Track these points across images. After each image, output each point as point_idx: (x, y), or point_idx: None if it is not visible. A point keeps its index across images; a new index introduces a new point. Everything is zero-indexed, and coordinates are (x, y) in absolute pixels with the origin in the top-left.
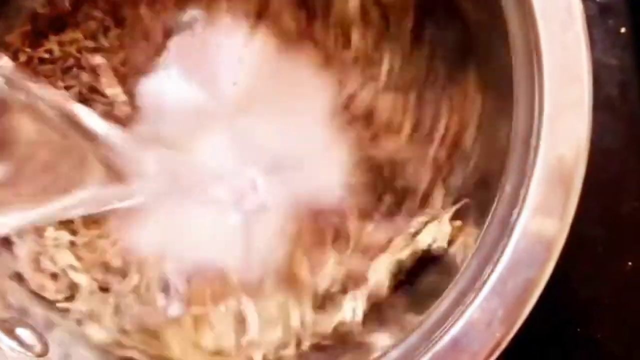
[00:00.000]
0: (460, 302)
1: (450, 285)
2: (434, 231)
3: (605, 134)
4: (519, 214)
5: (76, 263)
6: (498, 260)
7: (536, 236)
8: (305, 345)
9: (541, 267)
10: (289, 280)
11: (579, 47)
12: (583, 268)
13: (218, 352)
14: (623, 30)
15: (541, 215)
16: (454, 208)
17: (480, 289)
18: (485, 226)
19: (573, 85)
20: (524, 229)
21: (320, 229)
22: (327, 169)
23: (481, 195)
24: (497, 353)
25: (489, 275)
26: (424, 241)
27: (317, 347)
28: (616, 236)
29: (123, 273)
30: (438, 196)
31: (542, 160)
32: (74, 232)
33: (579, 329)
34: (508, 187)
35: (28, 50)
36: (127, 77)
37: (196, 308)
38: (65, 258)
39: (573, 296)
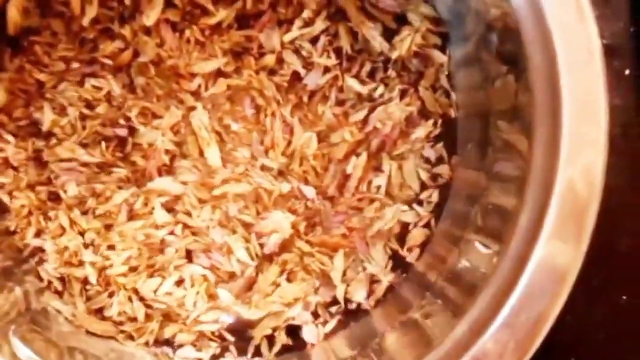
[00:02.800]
0: (473, 333)
1: (464, 316)
2: None
3: (606, 172)
4: (533, 246)
5: None
6: (511, 292)
7: (550, 269)
8: None
9: (553, 299)
10: None
11: (597, 86)
12: (578, 301)
13: None
14: (627, 72)
15: (555, 248)
16: None
17: (493, 320)
18: (500, 258)
19: (591, 123)
20: (538, 262)
21: None
22: None
23: (497, 226)
24: None
25: (502, 307)
26: None
27: None
28: (612, 271)
29: None
30: None
31: (558, 195)
32: None
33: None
34: (524, 220)
35: None
36: None
37: None
38: None
39: (568, 328)
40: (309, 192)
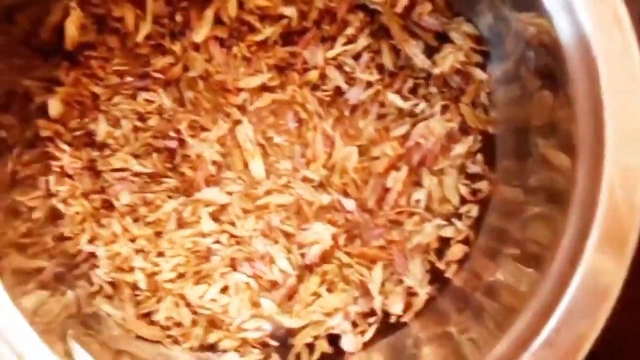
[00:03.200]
0: (513, 351)
1: (504, 334)
2: None
3: None
4: (576, 266)
5: None
6: (553, 311)
7: (592, 288)
8: None
9: (595, 318)
10: None
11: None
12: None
13: None
14: None
15: (598, 268)
16: None
17: (534, 339)
18: (541, 276)
19: (634, 151)
20: (580, 282)
21: None
22: None
23: (539, 245)
24: None
25: (543, 326)
26: None
27: None
28: None
29: None
30: None
31: (601, 215)
32: None
33: None
34: (566, 240)
35: None
36: None
37: None
38: None
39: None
40: (349, 204)
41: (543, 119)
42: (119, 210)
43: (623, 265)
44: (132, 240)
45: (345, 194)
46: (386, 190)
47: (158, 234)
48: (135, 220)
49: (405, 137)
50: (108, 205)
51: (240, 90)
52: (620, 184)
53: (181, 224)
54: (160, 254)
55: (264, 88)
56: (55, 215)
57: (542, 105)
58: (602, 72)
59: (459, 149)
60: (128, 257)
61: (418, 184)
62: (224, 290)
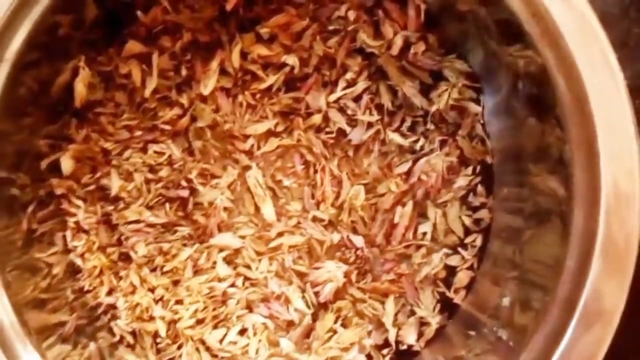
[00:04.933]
0: None
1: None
2: None
3: None
4: (581, 290)
5: None
6: (563, 335)
7: (596, 314)
8: None
9: (601, 339)
10: None
11: (631, 150)
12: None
13: None
14: None
15: (601, 292)
16: None
17: None
18: (548, 301)
19: (627, 180)
20: (584, 307)
21: None
22: None
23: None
24: None
25: (554, 351)
26: None
27: None
28: None
29: None
30: None
31: (600, 245)
32: None
33: None
34: (569, 266)
35: None
36: None
37: None
38: None
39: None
40: (358, 241)
41: (534, 145)
42: (137, 261)
43: (624, 289)
44: (151, 290)
45: (354, 231)
46: (393, 225)
47: (176, 283)
48: (153, 270)
49: (408, 173)
50: (125, 257)
51: (247, 136)
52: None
53: (197, 271)
54: (179, 302)
55: (270, 133)
56: (74, 270)
57: (533, 132)
58: (590, 95)
59: (461, 181)
60: (148, 307)
61: (423, 215)
62: (243, 332)
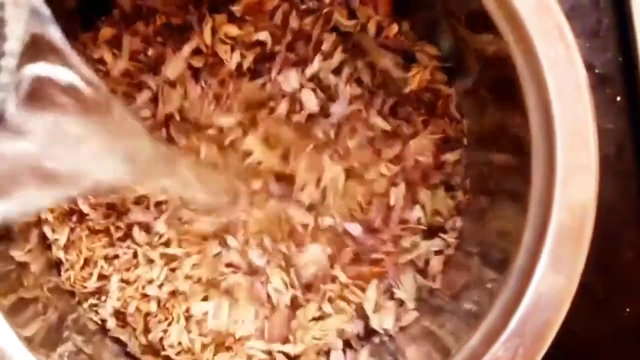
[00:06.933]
0: (486, 341)
1: (478, 327)
2: None
3: (604, 190)
4: (536, 264)
5: None
6: (519, 304)
7: (552, 283)
8: None
9: (556, 310)
10: None
11: (586, 117)
12: (585, 313)
13: None
14: (618, 98)
15: (556, 265)
16: None
17: (503, 330)
18: (506, 276)
19: (582, 150)
20: (541, 277)
21: None
22: None
23: (502, 246)
24: None
25: (511, 318)
26: None
27: None
28: (614, 284)
29: None
30: None
31: (556, 217)
32: None
33: None
34: (526, 241)
35: None
36: None
37: None
38: None
39: (575, 338)
40: (354, 228)
41: (499, 128)
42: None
43: (580, 260)
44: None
45: (352, 218)
46: (390, 208)
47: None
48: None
49: (398, 157)
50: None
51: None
52: (571, 187)
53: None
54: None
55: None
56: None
57: (500, 117)
58: (548, 79)
59: (447, 160)
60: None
61: (415, 201)
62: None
